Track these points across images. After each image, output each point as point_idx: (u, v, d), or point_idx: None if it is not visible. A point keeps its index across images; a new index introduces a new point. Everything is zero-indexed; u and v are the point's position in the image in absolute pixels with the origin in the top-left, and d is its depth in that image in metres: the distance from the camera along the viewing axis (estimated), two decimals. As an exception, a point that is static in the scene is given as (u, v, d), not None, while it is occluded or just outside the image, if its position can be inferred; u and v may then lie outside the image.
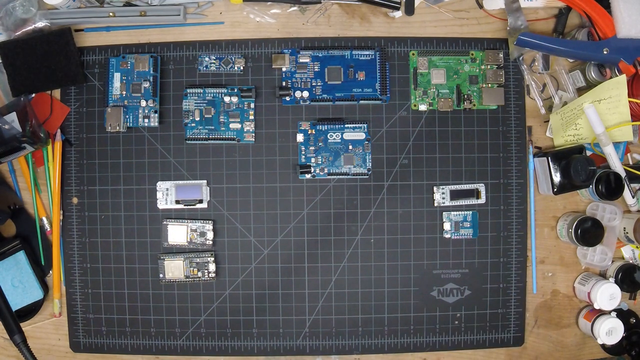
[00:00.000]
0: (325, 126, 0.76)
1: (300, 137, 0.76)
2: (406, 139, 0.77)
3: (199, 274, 0.76)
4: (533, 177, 0.78)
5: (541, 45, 0.73)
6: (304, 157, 0.76)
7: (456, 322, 0.78)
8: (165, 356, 0.78)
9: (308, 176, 0.76)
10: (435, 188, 0.77)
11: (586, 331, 0.77)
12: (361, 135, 0.76)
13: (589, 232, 0.73)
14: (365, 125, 0.76)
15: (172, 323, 0.77)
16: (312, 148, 0.76)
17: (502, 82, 0.77)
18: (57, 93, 0.77)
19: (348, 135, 0.76)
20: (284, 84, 0.76)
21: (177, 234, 0.76)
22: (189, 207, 0.76)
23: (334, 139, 0.76)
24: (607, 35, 0.72)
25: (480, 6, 0.78)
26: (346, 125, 0.76)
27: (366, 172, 0.76)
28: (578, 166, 0.72)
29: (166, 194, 0.76)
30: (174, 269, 0.76)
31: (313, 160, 0.76)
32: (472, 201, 0.77)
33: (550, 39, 0.74)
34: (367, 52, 0.76)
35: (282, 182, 0.77)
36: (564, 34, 0.77)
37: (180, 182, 0.77)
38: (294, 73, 0.76)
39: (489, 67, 0.77)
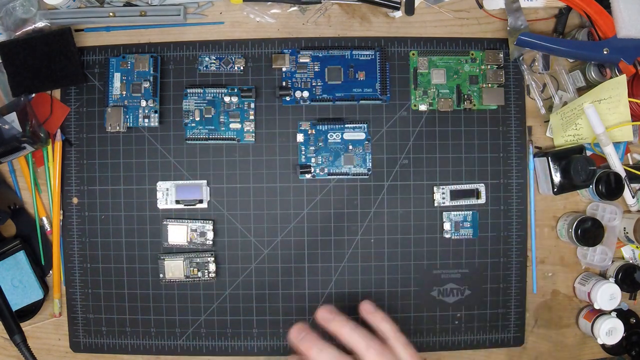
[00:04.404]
0: (325, 126, 0.76)
1: (300, 137, 0.76)
2: (406, 139, 0.77)
3: (199, 274, 0.76)
4: (533, 177, 0.78)
5: (541, 45, 0.73)
6: (304, 157, 0.76)
7: (456, 322, 0.78)
8: (165, 356, 0.78)
9: (308, 176, 0.76)
10: (435, 188, 0.77)
11: (586, 331, 0.77)
12: (361, 135, 0.76)
13: (589, 232, 0.73)
14: (365, 125, 0.76)
15: (172, 323, 0.77)
16: (312, 148, 0.76)
17: (502, 82, 0.77)
18: (57, 93, 0.77)
19: (348, 135, 0.76)
20: (284, 84, 0.76)
21: (177, 234, 0.76)
22: (189, 207, 0.76)
23: (334, 139, 0.76)
24: (607, 35, 0.72)
25: (480, 6, 0.78)
26: (346, 125, 0.76)
27: (366, 172, 0.76)
28: (578, 166, 0.72)
29: (166, 194, 0.76)
30: (174, 269, 0.76)
31: (313, 160, 0.76)
32: (472, 201, 0.77)
33: (550, 39, 0.74)
34: (367, 52, 0.76)
35: (282, 182, 0.77)
36: (564, 34, 0.77)
37: (180, 182, 0.77)
38: (294, 73, 0.76)
39: (489, 67, 0.77)
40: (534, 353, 0.79)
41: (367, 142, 0.76)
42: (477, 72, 0.77)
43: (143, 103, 0.75)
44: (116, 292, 0.77)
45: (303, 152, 0.76)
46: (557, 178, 0.74)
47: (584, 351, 0.80)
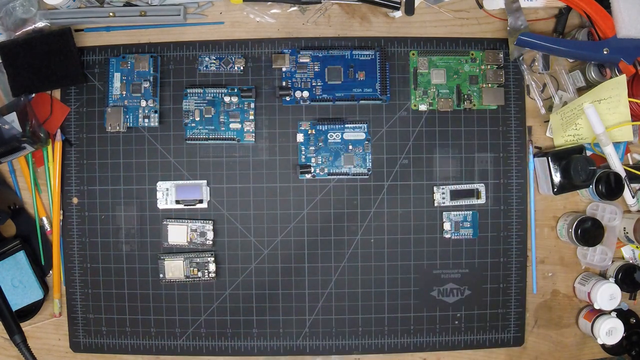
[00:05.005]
0: (325, 126, 0.76)
1: (300, 137, 0.76)
2: (406, 139, 0.77)
3: (199, 274, 0.76)
4: (533, 177, 0.78)
5: (541, 45, 0.73)
6: (304, 157, 0.76)
7: (456, 322, 0.78)
8: (165, 356, 0.78)
9: (308, 176, 0.76)
10: (435, 188, 0.77)
11: (586, 331, 0.77)
12: (361, 135, 0.76)
13: (589, 232, 0.73)
14: (365, 125, 0.76)
15: (172, 323, 0.77)
16: (312, 148, 0.76)
17: (502, 82, 0.77)
18: (57, 93, 0.77)
19: (348, 135, 0.76)
20: (284, 84, 0.76)
21: (177, 234, 0.76)
22: (189, 207, 0.76)
23: (334, 139, 0.76)
24: (607, 35, 0.72)
25: (480, 6, 0.78)
26: (346, 126, 0.76)
27: (366, 172, 0.76)
28: (578, 166, 0.72)
29: (166, 194, 0.76)
30: (174, 269, 0.76)
31: (313, 160, 0.76)
32: (472, 201, 0.77)
33: (550, 39, 0.74)
34: (367, 52, 0.76)
35: (282, 182, 0.77)
36: (564, 34, 0.77)
37: (180, 182, 0.77)
38: (294, 73, 0.76)
39: (489, 67, 0.77)
40: (534, 353, 0.79)
41: (367, 142, 0.76)
42: (477, 72, 0.77)
43: (143, 103, 0.75)
44: (116, 292, 0.77)
45: (303, 152, 0.76)
46: (557, 178, 0.74)
47: (584, 351, 0.80)
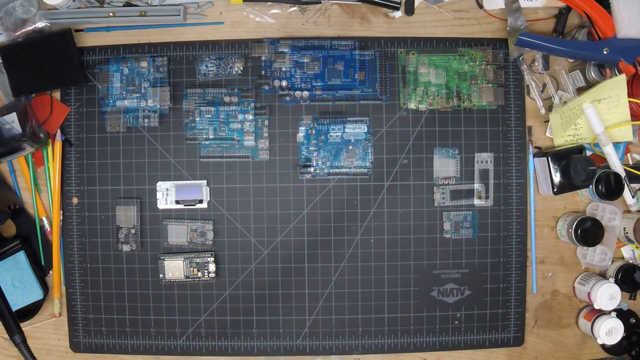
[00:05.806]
0: (326, 126, 0.76)
1: (301, 135, 0.76)
2: (406, 139, 0.77)
3: (199, 274, 0.76)
4: (533, 177, 0.78)
5: (541, 45, 0.73)
6: (304, 155, 0.76)
7: (456, 322, 0.78)
8: (165, 356, 0.78)
9: (308, 176, 0.76)
10: (435, 188, 0.77)
11: (586, 331, 0.77)
12: (362, 134, 0.76)
13: (589, 232, 0.73)
14: (365, 125, 0.76)
15: (172, 323, 0.77)
16: (312, 148, 0.76)
17: (502, 82, 0.77)
18: (57, 93, 0.77)
19: (349, 131, 0.76)
20: (283, 83, 0.76)
21: (177, 234, 0.76)
22: (189, 207, 0.76)
23: (334, 138, 0.76)
24: (607, 35, 0.72)
25: (480, 6, 0.78)
26: (347, 125, 0.76)
27: (366, 171, 0.76)
28: (578, 166, 0.72)
29: (166, 194, 0.76)
30: (174, 269, 0.76)
31: (313, 160, 0.76)
32: (472, 201, 0.77)
33: (550, 39, 0.74)
34: (367, 52, 0.76)
35: (282, 182, 0.77)
36: (564, 34, 0.77)
37: (180, 182, 0.77)
38: (294, 73, 0.76)
39: (489, 67, 0.77)
40: (534, 353, 0.79)
41: (367, 141, 0.76)
42: (477, 72, 0.77)
43: (143, 103, 0.75)
44: (116, 292, 0.77)
45: (304, 151, 0.76)
46: (557, 178, 0.74)
47: (584, 351, 0.80)
